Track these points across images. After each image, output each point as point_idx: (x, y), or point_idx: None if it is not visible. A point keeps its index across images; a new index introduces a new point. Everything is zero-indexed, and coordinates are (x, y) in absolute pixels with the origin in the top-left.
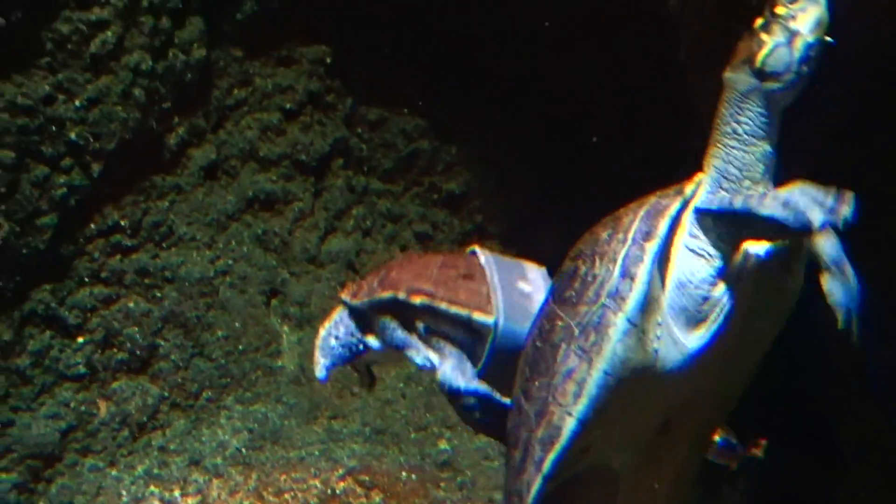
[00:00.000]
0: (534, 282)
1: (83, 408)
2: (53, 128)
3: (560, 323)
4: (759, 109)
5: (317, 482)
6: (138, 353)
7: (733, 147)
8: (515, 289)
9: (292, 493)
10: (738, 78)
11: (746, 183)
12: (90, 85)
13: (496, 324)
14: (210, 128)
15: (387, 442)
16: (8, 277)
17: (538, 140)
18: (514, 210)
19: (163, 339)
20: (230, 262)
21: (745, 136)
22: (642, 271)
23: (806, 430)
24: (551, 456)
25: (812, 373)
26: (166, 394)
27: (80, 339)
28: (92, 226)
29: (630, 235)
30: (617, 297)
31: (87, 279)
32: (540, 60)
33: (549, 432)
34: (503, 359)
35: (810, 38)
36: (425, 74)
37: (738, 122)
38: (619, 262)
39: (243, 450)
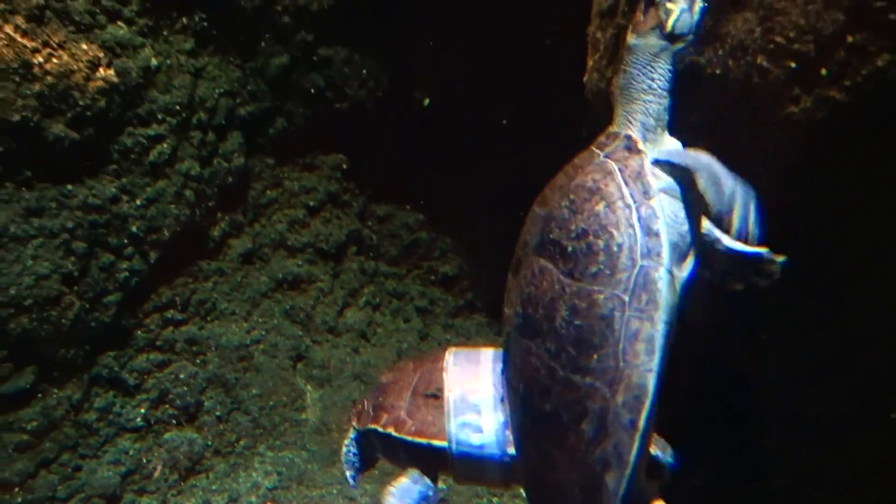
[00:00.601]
0: (483, 372)
1: (140, 456)
2: (118, 223)
3: (601, 296)
4: (668, 66)
5: None
6: (187, 408)
7: (650, 101)
8: (468, 404)
9: None
10: (648, 42)
11: (659, 130)
12: (149, 187)
13: (449, 448)
14: (247, 222)
15: None
16: (79, 346)
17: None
18: (497, 288)
19: (207, 397)
20: (263, 332)
21: (659, 90)
22: (660, 225)
23: (737, 466)
24: (644, 413)
25: (745, 417)
26: (209, 443)
27: (138, 398)
28: (149, 303)
29: (630, 200)
30: (652, 254)
31: (144, 347)
32: (519, 163)
33: (634, 393)
34: (465, 464)
35: (702, 3)
36: (423, 178)
37: (653, 80)
38: (638, 224)
39: (274, 490)
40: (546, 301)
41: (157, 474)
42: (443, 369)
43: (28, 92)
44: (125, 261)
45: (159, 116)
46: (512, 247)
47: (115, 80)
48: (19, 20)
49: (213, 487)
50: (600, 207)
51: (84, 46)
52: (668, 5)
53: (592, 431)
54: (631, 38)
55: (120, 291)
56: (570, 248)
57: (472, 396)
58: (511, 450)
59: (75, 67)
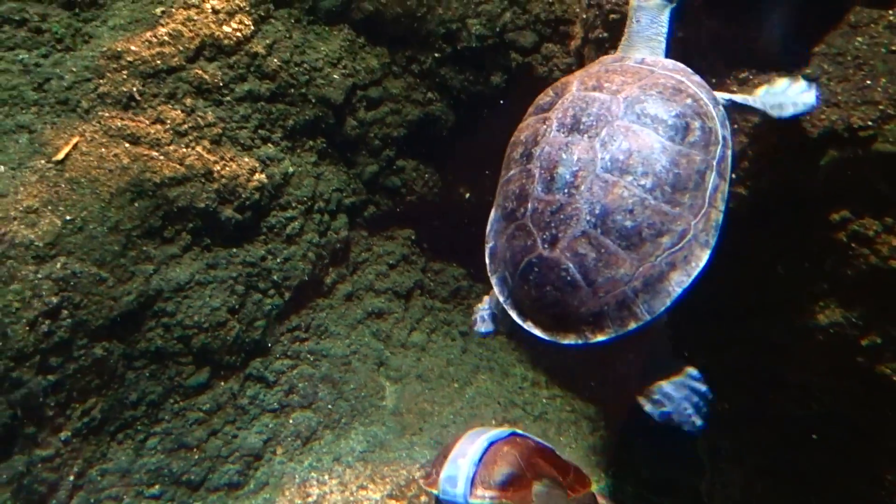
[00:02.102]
0: (475, 445)
1: (276, 428)
2: (265, 273)
3: (698, 158)
4: (667, 19)
5: (404, 472)
6: (307, 397)
7: (654, 47)
8: (455, 464)
9: (391, 478)
10: (653, 3)
11: None
12: (285, 250)
13: (437, 495)
14: (349, 273)
15: None
16: (237, 355)
17: None
18: None
19: (320, 389)
20: (357, 346)
21: (658, 38)
22: (726, 121)
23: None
24: (715, 237)
25: None
26: (321, 420)
27: (275, 389)
28: (283, 326)
29: (709, 98)
30: (727, 140)
31: (280, 356)
32: None
33: (712, 223)
34: None
35: None
36: (464, 245)
37: (656, 31)
38: (717, 117)
39: (364, 453)
40: (644, 154)
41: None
42: (457, 440)
43: (210, 188)
44: (269, 298)
45: (293, 204)
46: None
47: (265, 181)
48: (206, 143)
49: (324, 450)
50: (691, 102)
51: (246, 159)
52: None
53: (670, 243)
54: (634, 2)
55: (265, 319)
56: (670, 122)
57: (459, 460)
58: (472, 500)
59: (240, 173)
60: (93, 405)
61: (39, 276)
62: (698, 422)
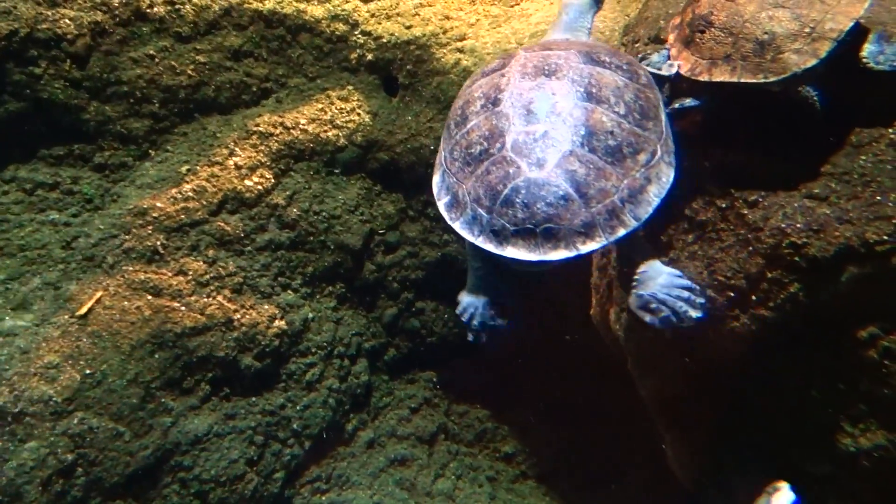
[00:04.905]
0: None
1: None
2: (284, 422)
3: (653, 94)
4: (591, 18)
5: None
6: None
7: (579, 37)
8: None
9: None
10: (580, 4)
11: None
12: (305, 398)
13: None
14: (370, 419)
15: None
16: None
17: (566, 424)
18: (543, 459)
19: None
20: (381, 497)
21: (583, 31)
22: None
23: None
24: (675, 160)
25: None
26: None
27: None
28: (303, 477)
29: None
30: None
31: None
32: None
33: (670, 150)
34: None
35: None
36: (486, 385)
37: (582, 25)
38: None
39: None
40: (612, 88)
41: None
42: None
43: (230, 337)
44: (288, 448)
45: (313, 350)
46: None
47: (285, 327)
48: (227, 292)
49: None
50: (630, 57)
51: (266, 307)
52: None
53: (646, 160)
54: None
55: (284, 470)
56: (625, 67)
57: None
58: None
59: (260, 320)
60: None
61: (56, 432)
62: (695, 314)
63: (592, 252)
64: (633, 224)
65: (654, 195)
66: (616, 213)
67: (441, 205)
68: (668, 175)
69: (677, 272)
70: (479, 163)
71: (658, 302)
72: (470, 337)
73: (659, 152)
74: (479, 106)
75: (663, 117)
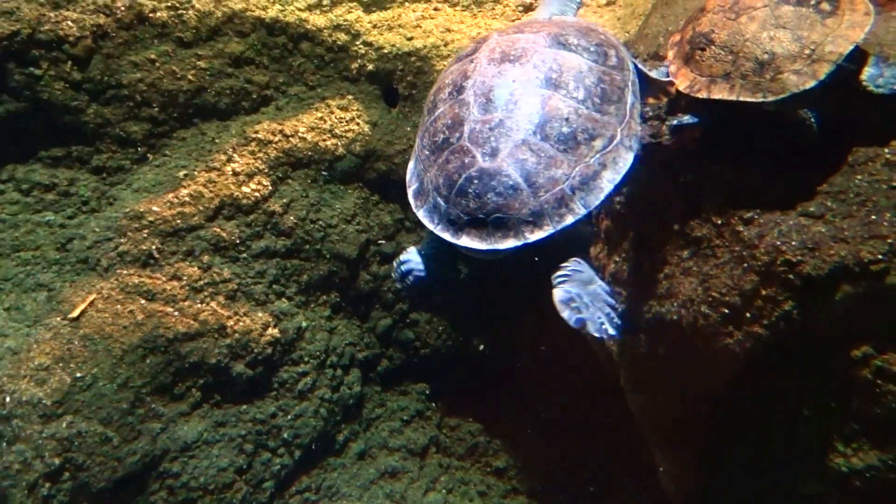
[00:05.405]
0: None
1: None
2: (275, 431)
3: (619, 77)
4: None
5: None
6: None
7: (566, 12)
8: None
9: None
10: None
11: None
12: (297, 407)
13: None
14: (361, 430)
15: None
16: None
17: (558, 442)
18: (535, 474)
19: None
20: None
21: (571, 5)
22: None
23: None
24: (636, 144)
25: None
26: None
27: None
28: (292, 487)
29: (616, 41)
30: (635, 67)
31: None
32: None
33: (634, 133)
34: None
35: None
36: (479, 398)
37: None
38: (625, 50)
39: None
40: (573, 72)
41: None
42: None
43: (222, 344)
44: (278, 457)
45: (306, 359)
46: (554, 450)
47: (278, 335)
48: (220, 298)
49: None
50: (604, 37)
51: (260, 314)
52: None
53: (602, 146)
54: None
55: (273, 479)
56: (592, 49)
57: None
58: None
59: (253, 328)
60: None
61: (44, 435)
62: (611, 331)
63: (541, 241)
64: (581, 212)
65: (608, 181)
66: (565, 202)
67: (410, 191)
68: (626, 159)
69: (606, 287)
70: (441, 151)
71: (582, 304)
72: (398, 285)
73: (619, 136)
74: (446, 93)
75: (629, 98)
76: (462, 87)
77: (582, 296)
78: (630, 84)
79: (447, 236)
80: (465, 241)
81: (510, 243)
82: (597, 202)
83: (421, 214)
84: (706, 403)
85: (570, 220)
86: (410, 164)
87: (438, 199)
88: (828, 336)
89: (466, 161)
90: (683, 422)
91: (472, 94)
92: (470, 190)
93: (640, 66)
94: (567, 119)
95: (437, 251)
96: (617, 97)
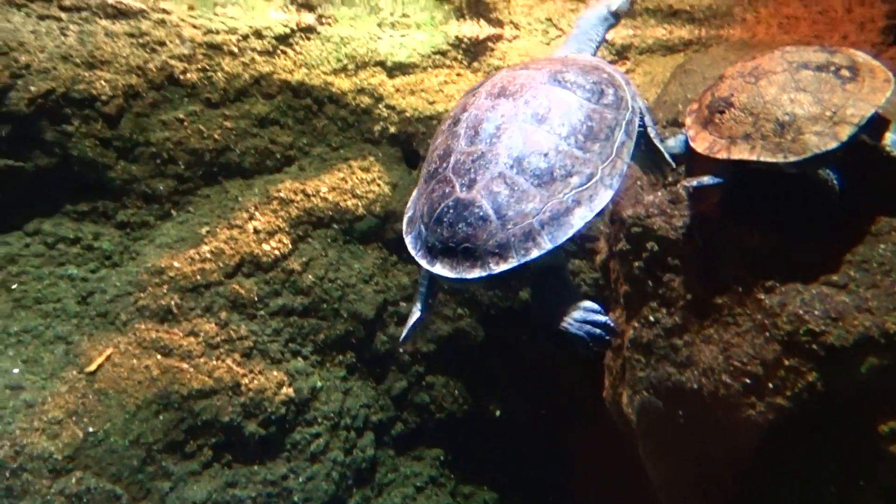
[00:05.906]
0: None
1: None
2: (285, 493)
3: (610, 115)
4: (603, 30)
5: None
6: None
7: (583, 50)
8: None
9: None
10: (594, 14)
11: None
12: (308, 469)
13: None
14: (374, 496)
15: None
16: None
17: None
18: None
19: None
20: None
21: (591, 43)
22: (637, 97)
23: None
24: (619, 182)
25: None
26: None
27: None
28: None
29: (622, 79)
30: (635, 108)
31: None
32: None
33: (617, 171)
34: None
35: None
36: (496, 469)
37: (591, 37)
38: (628, 89)
39: None
40: (562, 109)
41: None
42: None
43: (236, 402)
44: None
45: (319, 420)
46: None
47: (293, 395)
48: (236, 356)
49: None
50: (607, 75)
51: (275, 373)
52: None
53: (578, 183)
54: (582, 12)
55: None
56: (588, 87)
57: None
58: None
59: (268, 386)
60: None
61: (53, 490)
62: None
63: (506, 272)
64: (547, 247)
65: (580, 218)
66: (532, 236)
67: (405, 217)
68: (602, 197)
69: (594, 305)
70: (431, 180)
71: (568, 325)
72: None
73: (598, 174)
74: (446, 125)
75: (619, 137)
76: (458, 120)
77: (566, 319)
78: (624, 123)
79: (424, 263)
80: (438, 268)
81: (476, 273)
82: (565, 238)
83: (407, 241)
84: (727, 475)
85: (535, 253)
86: (413, 194)
87: (422, 226)
88: (853, 409)
89: (447, 191)
90: (703, 493)
91: (464, 127)
92: (445, 219)
93: (647, 120)
94: (546, 154)
95: (430, 281)
96: (605, 135)
